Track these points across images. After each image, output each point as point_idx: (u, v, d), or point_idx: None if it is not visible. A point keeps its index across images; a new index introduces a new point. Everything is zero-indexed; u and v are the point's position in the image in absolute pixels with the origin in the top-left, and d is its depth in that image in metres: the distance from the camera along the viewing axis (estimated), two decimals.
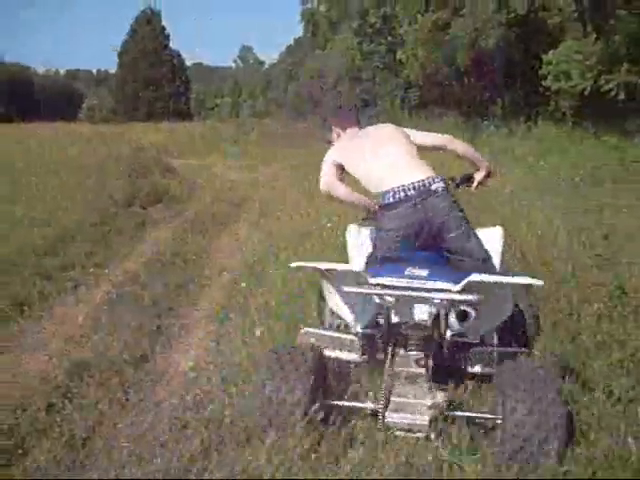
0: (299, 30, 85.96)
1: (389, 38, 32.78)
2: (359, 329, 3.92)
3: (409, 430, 3.45)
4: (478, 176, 4.61)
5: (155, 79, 65.52)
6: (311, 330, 4.04)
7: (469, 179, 4.65)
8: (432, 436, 3.40)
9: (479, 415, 3.53)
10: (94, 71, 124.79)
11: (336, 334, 3.98)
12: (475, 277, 3.41)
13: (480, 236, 4.15)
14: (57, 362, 5.04)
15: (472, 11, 20.13)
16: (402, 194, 4.00)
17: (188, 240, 9.53)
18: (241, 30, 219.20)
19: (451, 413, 3.46)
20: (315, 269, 3.95)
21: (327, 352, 3.87)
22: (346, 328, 4.11)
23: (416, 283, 3.57)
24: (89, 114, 75.90)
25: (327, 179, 4.37)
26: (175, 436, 3.90)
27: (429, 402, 3.46)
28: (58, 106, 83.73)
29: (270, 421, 3.40)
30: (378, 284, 3.58)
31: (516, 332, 4.10)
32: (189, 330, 5.96)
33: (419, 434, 3.44)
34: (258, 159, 20.92)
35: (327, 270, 3.82)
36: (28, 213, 9.80)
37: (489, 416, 3.45)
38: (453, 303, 3.48)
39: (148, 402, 4.49)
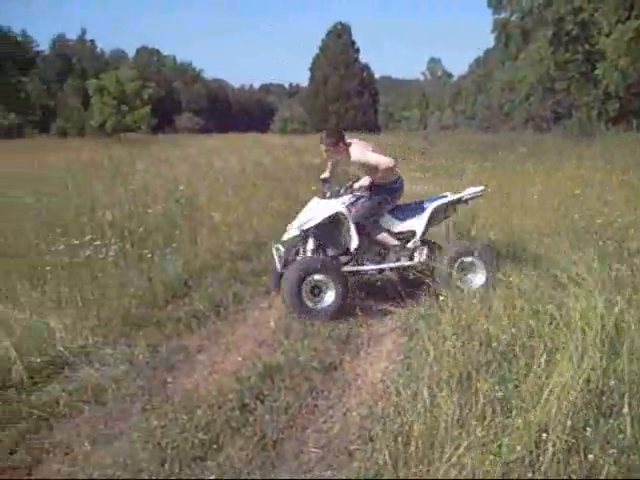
0: (489, 41, 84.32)
1: (586, 46, 31.23)
2: None
3: None
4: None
5: (345, 92, 67.00)
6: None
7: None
8: None
9: None
10: (286, 85, 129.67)
11: None
12: None
13: None
14: (250, 364, 5.21)
15: None
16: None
17: None
18: (429, 43, 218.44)
19: None
20: None
21: None
22: None
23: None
24: (281, 126, 78.75)
25: (388, 159, 6.80)
26: (363, 447, 3.89)
27: None
28: (252, 118, 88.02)
29: None
30: None
31: None
32: (378, 340, 5.95)
33: None
34: (445, 171, 20.67)
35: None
36: (225, 219, 10.25)
37: None
38: None
39: (337, 410, 4.52)
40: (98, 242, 7.20)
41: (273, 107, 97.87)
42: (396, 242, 6.99)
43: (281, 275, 6.61)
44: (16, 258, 7.12)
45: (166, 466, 3.77)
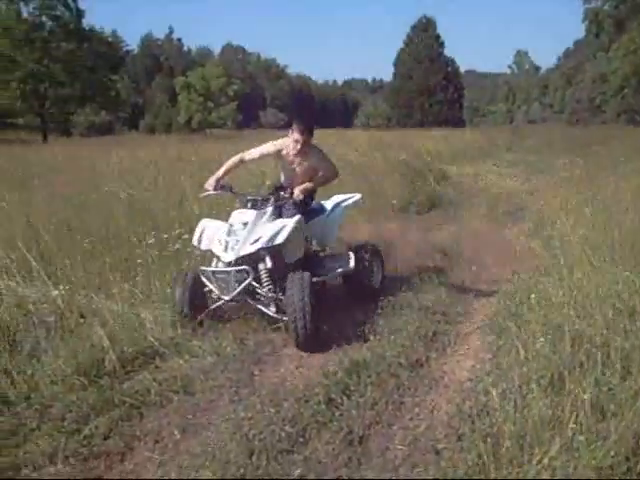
0: (579, 33, 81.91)
1: None
2: None
3: None
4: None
5: (429, 86, 66.40)
6: None
7: None
8: None
9: None
10: (369, 80, 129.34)
11: None
12: None
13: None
14: (337, 359, 5.21)
15: None
16: None
17: (462, 246, 9.42)
18: (516, 35, 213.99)
19: None
20: None
21: None
22: None
23: None
24: (364, 121, 78.70)
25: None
26: (450, 446, 3.84)
27: None
28: (335, 114, 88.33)
29: None
30: None
31: None
32: (465, 338, 5.86)
33: None
34: (533, 167, 20.21)
35: None
36: None
37: None
38: None
39: (423, 407, 4.48)
40: (186, 236, 7.33)
41: (356, 102, 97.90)
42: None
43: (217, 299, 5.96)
44: (111, 251, 7.32)
45: (254, 458, 3.80)
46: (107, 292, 6.34)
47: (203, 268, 5.97)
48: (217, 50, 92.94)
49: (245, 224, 5.89)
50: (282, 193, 6.25)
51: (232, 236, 5.85)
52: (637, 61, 31.81)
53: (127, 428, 4.25)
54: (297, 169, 6.44)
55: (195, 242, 6.15)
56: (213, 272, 5.84)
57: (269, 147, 6.50)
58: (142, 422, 4.35)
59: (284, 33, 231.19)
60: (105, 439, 4.12)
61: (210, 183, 6.33)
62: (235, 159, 6.49)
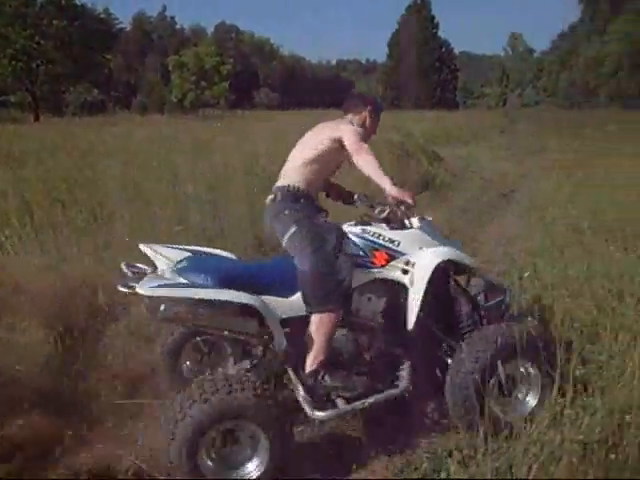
0: (574, 15, 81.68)
1: None
2: None
3: None
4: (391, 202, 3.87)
5: (422, 68, 66.30)
6: None
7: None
8: None
9: None
10: (363, 61, 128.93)
11: None
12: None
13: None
14: None
15: None
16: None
17: (454, 228, 9.48)
18: (510, 17, 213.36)
19: None
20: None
21: None
22: None
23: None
24: None
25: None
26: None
27: None
28: (329, 94, 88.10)
29: None
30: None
31: None
32: None
33: None
34: (526, 149, 20.27)
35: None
36: None
37: None
38: None
39: None
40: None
41: (350, 83, 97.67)
42: None
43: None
44: (103, 228, 7.34)
45: None
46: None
47: None
48: (210, 29, 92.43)
49: None
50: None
51: None
52: (631, 44, 31.76)
53: None
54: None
55: None
56: None
57: None
58: None
59: (278, 12, 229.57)
60: None
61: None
62: None
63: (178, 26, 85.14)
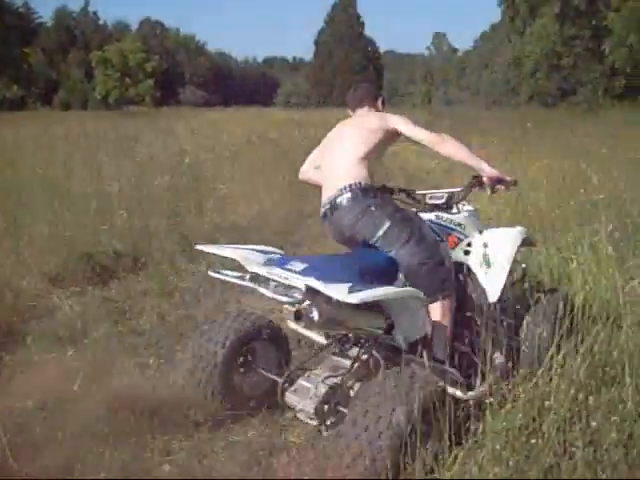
0: (496, 16, 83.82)
1: (593, 22, 30.97)
2: None
3: (301, 412, 3.59)
4: (487, 182, 4.11)
5: (349, 66, 66.76)
6: None
7: (475, 186, 4.22)
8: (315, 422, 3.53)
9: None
10: (290, 58, 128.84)
11: None
12: (311, 282, 3.10)
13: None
14: None
15: None
16: (322, 210, 4.01)
17: None
18: (434, 17, 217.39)
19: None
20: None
21: None
22: None
23: (275, 273, 3.37)
24: (284, 100, 78.55)
25: (302, 168, 4.49)
26: None
27: (316, 390, 3.57)
28: (255, 92, 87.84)
29: None
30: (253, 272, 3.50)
31: None
32: None
33: (309, 420, 3.57)
34: None
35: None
36: (231, 192, 10.32)
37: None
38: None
39: None
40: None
41: (276, 81, 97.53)
42: None
43: None
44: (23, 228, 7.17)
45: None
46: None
47: None
48: (135, 25, 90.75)
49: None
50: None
51: None
52: (549, 46, 32.71)
53: None
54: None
55: None
56: None
57: None
58: None
59: (203, 9, 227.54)
60: None
61: None
62: None
63: (101, 21, 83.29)
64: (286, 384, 3.74)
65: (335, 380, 3.65)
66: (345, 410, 3.39)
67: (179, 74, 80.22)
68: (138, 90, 51.63)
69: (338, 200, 3.90)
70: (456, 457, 3.15)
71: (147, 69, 52.80)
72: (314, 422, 3.57)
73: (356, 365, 3.72)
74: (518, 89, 48.44)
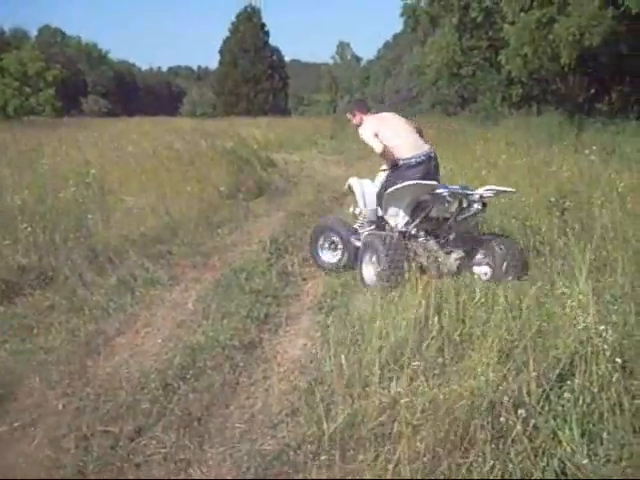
0: (398, 26, 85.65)
1: (490, 33, 32.04)
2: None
3: None
4: None
5: (255, 75, 66.62)
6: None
7: None
8: None
9: None
10: (195, 67, 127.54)
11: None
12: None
13: None
14: (172, 345, 5.25)
15: (578, 8, 19.42)
16: (421, 158, 6.87)
17: (290, 233, 9.68)
18: (338, 27, 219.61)
19: None
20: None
21: None
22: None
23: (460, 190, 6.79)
24: (190, 109, 77.83)
25: (379, 145, 6.96)
26: (287, 419, 4.04)
27: None
28: (160, 101, 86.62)
29: None
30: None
31: None
32: (296, 319, 6.10)
33: None
34: (356, 155, 20.95)
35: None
36: (138, 203, 10.17)
37: None
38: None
39: (259, 386, 4.64)
40: None
41: (182, 90, 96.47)
42: None
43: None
44: None
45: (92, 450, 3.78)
46: None
47: None
48: (33, 32, 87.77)
49: None
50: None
51: None
52: (449, 56, 33.59)
53: None
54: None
55: None
56: None
57: None
58: None
59: (105, 16, 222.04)
60: None
61: None
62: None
63: None
64: None
65: None
66: None
67: (81, 83, 78.16)
68: (39, 99, 49.87)
69: (432, 155, 6.95)
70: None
71: (47, 78, 51.07)
72: None
73: None
74: (420, 97, 49.64)
